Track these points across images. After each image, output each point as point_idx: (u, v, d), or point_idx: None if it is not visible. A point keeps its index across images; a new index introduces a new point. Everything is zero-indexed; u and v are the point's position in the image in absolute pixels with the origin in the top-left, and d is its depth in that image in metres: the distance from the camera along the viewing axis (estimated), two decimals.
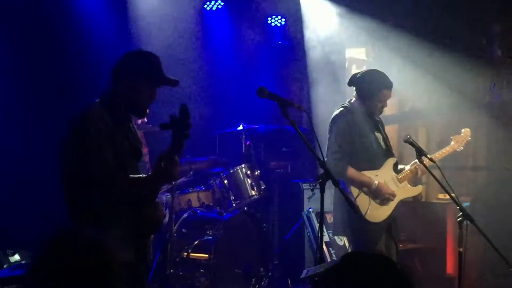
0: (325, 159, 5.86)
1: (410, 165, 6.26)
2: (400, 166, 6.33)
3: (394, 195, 6.08)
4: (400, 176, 6.21)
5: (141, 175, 4.26)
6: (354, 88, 6.24)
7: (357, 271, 2.24)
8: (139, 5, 7.89)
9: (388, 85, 6.14)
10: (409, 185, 6.31)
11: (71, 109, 4.30)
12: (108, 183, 4.04)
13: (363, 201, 5.96)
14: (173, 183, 7.07)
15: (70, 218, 4.13)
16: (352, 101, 6.21)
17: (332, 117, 6.19)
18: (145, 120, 6.99)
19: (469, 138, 6.55)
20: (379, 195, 6.02)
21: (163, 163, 3.98)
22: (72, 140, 4.12)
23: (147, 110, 4.39)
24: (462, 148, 6.48)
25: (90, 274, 2.18)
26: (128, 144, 4.30)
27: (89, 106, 4.19)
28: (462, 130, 6.53)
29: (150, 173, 4.14)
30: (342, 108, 6.17)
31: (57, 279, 2.17)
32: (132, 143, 4.36)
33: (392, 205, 6.11)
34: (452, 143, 6.46)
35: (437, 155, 6.32)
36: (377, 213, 6.01)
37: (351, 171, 5.97)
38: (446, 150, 6.42)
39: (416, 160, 5.84)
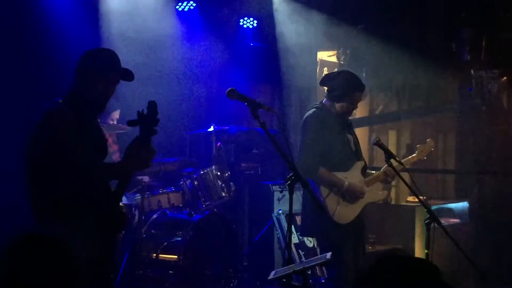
0: (297, 159, 5.91)
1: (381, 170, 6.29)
2: (369, 171, 6.37)
3: (365, 192, 6.09)
4: (367, 179, 6.23)
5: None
6: (326, 88, 6.25)
7: (396, 275, 2.08)
8: (110, 5, 7.84)
9: (360, 87, 6.16)
10: (375, 189, 6.33)
11: (35, 109, 4.34)
12: (82, 169, 4.13)
13: (332, 202, 5.95)
14: (143, 183, 7.08)
15: (33, 217, 4.16)
16: (323, 101, 6.20)
17: (304, 117, 6.19)
18: (115, 119, 6.98)
19: (432, 149, 6.59)
20: (351, 195, 6.04)
21: (135, 148, 4.07)
22: (39, 137, 4.19)
23: (106, 106, 4.49)
24: (425, 158, 6.51)
25: (53, 276, 2.16)
26: (92, 142, 4.36)
27: (52, 105, 4.27)
28: (427, 140, 6.57)
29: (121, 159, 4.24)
30: (314, 109, 6.17)
31: (20, 281, 2.15)
32: (97, 141, 4.44)
33: (359, 207, 6.12)
34: (417, 152, 6.46)
35: (403, 162, 6.34)
36: (345, 214, 6.02)
37: (322, 171, 5.97)
38: (412, 158, 6.44)
39: (386, 165, 5.87)
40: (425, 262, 2.18)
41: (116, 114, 7.23)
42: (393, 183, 8.24)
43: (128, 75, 4.46)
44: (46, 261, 2.17)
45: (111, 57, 4.45)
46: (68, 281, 2.19)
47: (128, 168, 4.22)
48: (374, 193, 6.32)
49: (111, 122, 7.02)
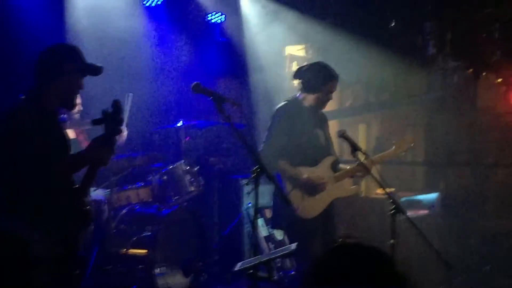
0: (260, 150, 5.93)
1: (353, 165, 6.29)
2: (341, 166, 6.39)
3: (324, 185, 6.09)
4: (337, 174, 6.25)
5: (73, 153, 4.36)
6: (300, 81, 6.24)
7: (351, 263, 2.06)
8: (76, 1, 7.82)
9: (333, 76, 6.18)
10: (344, 185, 6.31)
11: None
12: (40, 169, 4.08)
13: (296, 196, 5.94)
14: (111, 178, 7.09)
15: None
16: (297, 95, 6.23)
17: (274, 109, 6.23)
18: (79, 110, 6.91)
19: (412, 145, 6.51)
20: (310, 188, 6.06)
21: (97, 144, 4.09)
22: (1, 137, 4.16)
23: (73, 102, 4.48)
24: (403, 153, 6.49)
25: (10, 273, 2.16)
26: (56, 139, 4.35)
27: (15, 104, 4.26)
28: (405, 136, 6.55)
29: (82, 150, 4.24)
30: (285, 102, 6.20)
31: None
32: (59, 139, 4.42)
33: (325, 202, 6.11)
34: (394, 147, 6.40)
35: (377, 158, 6.34)
36: (309, 209, 6.02)
37: (282, 163, 5.97)
38: (387, 154, 6.40)
39: (358, 162, 5.89)
40: (378, 251, 2.11)
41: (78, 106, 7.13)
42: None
43: (93, 70, 4.43)
44: (2, 256, 2.16)
45: (71, 52, 4.42)
46: (26, 277, 2.18)
47: (87, 161, 4.21)
48: (343, 189, 6.31)
49: (75, 116, 6.95)
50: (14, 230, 2.27)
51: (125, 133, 7.41)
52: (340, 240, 2.19)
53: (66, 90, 4.37)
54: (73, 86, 4.39)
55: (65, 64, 4.33)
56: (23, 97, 4.29)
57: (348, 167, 6.28)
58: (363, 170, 5.96)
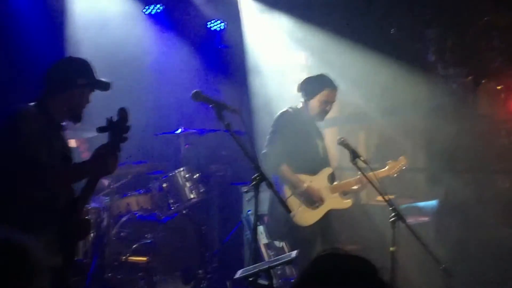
0: (262, 152, 6.00)
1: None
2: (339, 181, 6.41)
3: (322, 200, 6.15)
4: (333, 186, 6.30)
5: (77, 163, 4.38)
6: (301, 94, 6.36)
7: (333, 274, 2.04)
8: (76, 9, 7.82)
9: (330, 85, 6.26)
10: (340, 197, 6.37)
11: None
12: (43, 174, 4.07)
13: (293, 203, 6.00)
14: (111, 186, 7.09)
15: None
16: (299, 106, 6.33)
17: (278, 114, 6.31)
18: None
19: (404, 167, 6.52)
20: (308, 198, 6.09)
21: (101, 153, 4.08)
22: (4, 137, 4.15)
23: (81, 116, 4.49)
24: (395, 175, 6.47)
25: (8, 280, 2.14)
26: (60, 150, 4.34)
27: (23, 106, 4.26)
28: (399, 158, 6.55)
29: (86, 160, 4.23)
30: (288, 108, 6.32)
31: None
32: (63, 150, 4.42)
33: (320, 212, 6.19)
34: (387, 167, 6.44)
35: (371, 175, 6.35)
36: (305, 217, 6.09)
37: (284, 168, 6.05)
38: (380, 172, 6.36)
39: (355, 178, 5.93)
40: (361, 260, 2.11)
41: None
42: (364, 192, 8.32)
43: (102, 86, 4.46)
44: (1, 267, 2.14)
45: (85, 66, 4.45)
46: (28, 286, 2.17)
47: (91, 171, 4.20)
48: (338, 201, 6.38)
49: (77, 125, 6.95)
50: (13, 239, 2.24)
51: None
52: (324, 250, 2.17)
53: (76, 103, 4.41)
54: (83, 99, 4.44)
55: (79, 77, 4.37)
56: (32, 104, 4.29)
57: (344, 181, 6.36)
58: (363, 183, 6.09)
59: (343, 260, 2.11)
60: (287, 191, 6.05)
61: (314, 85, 6.26)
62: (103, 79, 4.47)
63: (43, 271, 2.23)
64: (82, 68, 4.43)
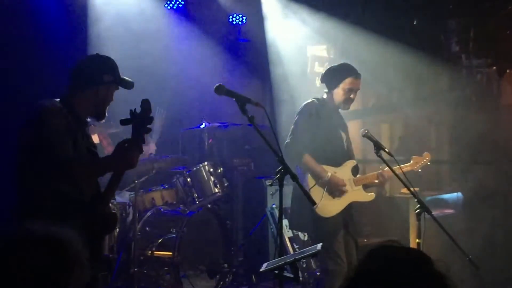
0: (286, 142, 6.00)
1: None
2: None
3: (345, 191, 6.14)
4: (356, 178, 6.29)
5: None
6: (324, 84, 6.34)
7: (391, 266, 2.02)
8: (98, 5, 7.85)
9: (352, 73, 6.23)
10: (363, 190, 6.34)
11: (24, 108, 4.34)
12: (68, 168, 4.09)
13: (316, 193, 5.93)
14: (135, 181, 7.11)
15: (21, 217, 4.14)
16: (323, 96, 6.31)
17: (302, 105, 6.30)
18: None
19: (428, 163, 6.48)
20: (332, 188, 6.08)
21: (124, 146, 4.09)
22: (30, 131, 4.15)
23: (105, 113, 4.52)
24: (419, 170, 6.43)
25: (48, 273, 2.13)
26: (85, 145, 4.36)
27: (49, 101, 4.27)
28: (424, 153, 6.52)
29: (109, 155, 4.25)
30: (313, 99, 6.30)
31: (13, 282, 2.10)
32: (88, 145, 4.44)
33: (343, 204, 6.16)
34: (411, 162, 6.41)
35: (396, 168, 6.33)
36: (327, 208, 6.06)
37: (308, 158, 6.04)
38: (404, 167, 6.29)
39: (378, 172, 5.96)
40: (416, 252, 2.12)
41: None
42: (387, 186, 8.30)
43: (127, 84, 4.50)
44: (44, 261, 2.15)
45: (111, 63, 4.48)
46: (66, 280, 2.18)
47: (114, 165, 4.21)
48: (361, 194, 6.34)
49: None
50: (53, 232, 2.25)
51: (153, 147, 7.49)
52: (377, 244, 2.17)
53: (101, 100, 4.42)
54: (108, 96, 4.45)
55: (105, 74, 4.39)
56: (58, 100, 4.32)
57: (367, 174, 6.36)
58: (387, 178, 6.11)
59: (399, 252, 2.10)
60: (310, 181, 6.04)
61: (337, 74, 6.23)
62: (126, 78, 4.50)
63: (84, 264, 2.25)
64: (108, 65, 4.45)
